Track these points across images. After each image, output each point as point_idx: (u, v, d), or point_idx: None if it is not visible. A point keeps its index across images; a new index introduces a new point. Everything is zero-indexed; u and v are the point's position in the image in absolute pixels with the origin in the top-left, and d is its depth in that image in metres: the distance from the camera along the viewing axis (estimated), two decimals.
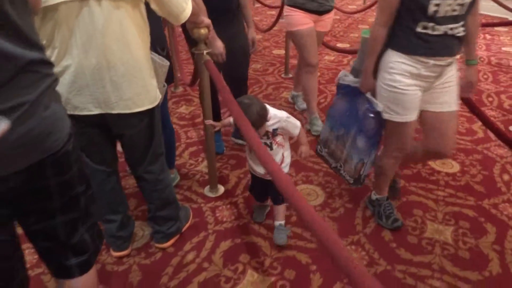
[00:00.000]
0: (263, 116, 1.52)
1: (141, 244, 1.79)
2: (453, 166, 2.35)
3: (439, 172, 2.29)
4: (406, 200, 2.06)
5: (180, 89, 3.52)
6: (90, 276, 1.12)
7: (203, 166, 2.38)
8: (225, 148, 2.53)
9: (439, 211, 1.98)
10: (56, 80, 0.90)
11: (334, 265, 0.75)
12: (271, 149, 1.64)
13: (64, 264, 1.05)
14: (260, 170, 1.69)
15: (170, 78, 1.86)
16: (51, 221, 0.97)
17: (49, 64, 0.88)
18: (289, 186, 0.97)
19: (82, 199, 1.02)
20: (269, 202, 1.91)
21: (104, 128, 1.40)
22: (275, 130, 1.60)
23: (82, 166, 1.02)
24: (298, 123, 1.64)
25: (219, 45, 2.03)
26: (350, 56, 4.37)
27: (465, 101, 1.94)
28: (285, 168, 1.73)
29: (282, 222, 1.79)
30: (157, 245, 1.75)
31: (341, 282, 1.58)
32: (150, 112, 1.41)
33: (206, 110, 1.92)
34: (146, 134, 1.48)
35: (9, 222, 0.94)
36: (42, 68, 0.84)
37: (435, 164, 2.36)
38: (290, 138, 1.73)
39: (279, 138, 1.64)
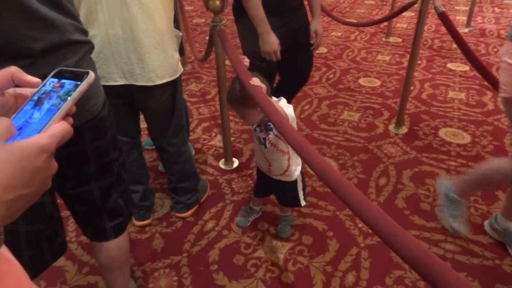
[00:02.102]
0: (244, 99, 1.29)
1: (161, 214, 1.85)
2: (464, 137, 2.37)
3: (450, 143, 2.32)
4: (418, 170, 2.10)
5: (189, 67, 3.52)
6: (124, 238, 1.18)
7: (216, 141, 2.42)
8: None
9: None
10: (92, 47, 0.92)
11: (353, 210, 0.79)
12: (265, 146, 1.44)
13: (100, 227, 1.11)
14: (264, 165, 1.52)
15: (181, 51, 1.87)
16: (86, 186, 1.02)
17: (85, 31, 0.90)
18: (298, 137, 0.99)
19: (115, 165, 1.07)
20: (259, 209, 1.79)
21: (128, 99, 1.43)
22: (268, 123, 1.37)
23: (115, 133, 1.06)
24: (293, 116, 1.36)
25: (272, 41, 1.70)
26: (357, 32, 4.33)
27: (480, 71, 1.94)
28: (290, 177, 1.50)
29: (288, 214, 1.71)
30: (177, 214, 1.81)
31: (358, 247, 1.64)
32: (172, 84, 1.44)
33: (221, 84, 1.94)
34: (168, 106, 1.51)
35: (58, 182, 0.97)
36: (80, 35, 0.87)
37: (446, 136, 2.39)
38: None
39: (273, 137, 1.40)
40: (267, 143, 1.43)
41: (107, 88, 1.35)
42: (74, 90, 0.38)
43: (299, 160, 1.48)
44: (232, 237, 1.70)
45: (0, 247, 0.31)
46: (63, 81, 0.39)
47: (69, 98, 0.37)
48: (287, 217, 1.71)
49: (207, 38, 4.23)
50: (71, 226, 1.78)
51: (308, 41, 1.98)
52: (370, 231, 1.70)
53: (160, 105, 1.47)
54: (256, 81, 1.27)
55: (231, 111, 2.00)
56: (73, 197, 1.04)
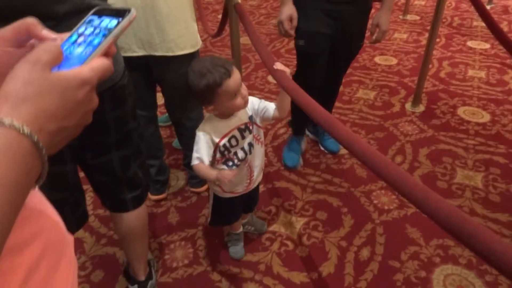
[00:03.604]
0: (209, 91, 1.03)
1: (176, 189, 1.86)
2: (483, 116, 2.31)
3: (468, 121, 2.26)
4: (435, 149, 2.06)
5: (201, 45, 3.48)
6: (143, 210, 1.19)
7: None
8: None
9: (469, 158, 1.98)
10: None
11: (375, 172, 0.77)
12: (252, 149, 1.20)
13: (120, 198, 1.12)
14: (242, 185, 1.27)
15: None
16: (107, 156, 1.02)
17: None
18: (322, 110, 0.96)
19: (134, 135, 1.07)
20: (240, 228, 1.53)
21: (146, 72, 1.42)
22: (251, 117, 1.18)
23: (134, 103, 1.05)
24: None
25: (284, 11, 1.54)
26: (373, 10, 4.20)
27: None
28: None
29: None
30: (192, 189, 1.82)
31: (373, 223, 1.63)
32: (190, 56, 1.42)
33: (236, 59, 1.91)
34: (186, 79, 1.49)
35: (73, 154, 0.98)
36: (99, 1, 0.85)
37: (464, 114, 2.33)
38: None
39: (256, 131, 1.21)
40: (254, 142, 1.20)
41: (126, 60, 1.33)
42: (116, 26, 0.37)
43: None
44: None
45: (43, 178, 0.31)
46: (103, 18, 0.38)
47: (110, 34, 0.36)
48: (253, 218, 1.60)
49: (218, 16, 4.17)
50: (88, 200, 1.81)
51: (356, 35, 1.70)
52: (386, 207, 1.70)
53: (178, 77, 1.46)
54: (279, 65, 1.15)
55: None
56: (93, 167, 1.05)
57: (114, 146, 1.02)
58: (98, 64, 0.35)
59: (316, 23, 1.60)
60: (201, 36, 3.67)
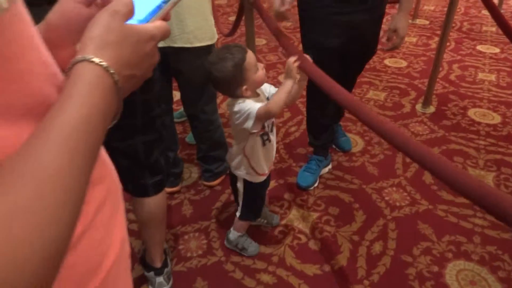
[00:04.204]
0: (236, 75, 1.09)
1: (190, 183, 1.89)
2: (494, 118, 2.32)
3: (479, 123, 2.28)
4: (446, 149, 2.07)
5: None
6: (163, 196, 1.22)
7: None
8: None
9: (480, 158, 1.99)
10: None
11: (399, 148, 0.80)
12: (274, 128, 1.28)
13: (141, 183, 1.15)
14: (270, 163, 1.34)
15: None
16: (132, 140, 1.06)
17: None
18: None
19: (158, 122, 1.10)
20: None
21: (163, 64, 1.45)
22: (268, 99, 1.25)
23: (159, 89, 1.09)
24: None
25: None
26: None
27: None
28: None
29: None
30: (205, 183, 1.85)
31: (384, 219, 1.64)
32: (207, 49, 1.45)
33: (252, 48, 1.94)
34: (202, 72, 1.52)
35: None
36: None
37: (475, 116, 2.34)
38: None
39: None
40: (273, 122, 1.28)
41: None
42: None
43: None
44: None
45: (116, 119, 0.34)
46: None
47: (170, 1, 0.40)
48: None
49: (229, 19, 4.23)
50: None
51: (370, 43, 1.65)
52: (397, 203, 1.71)
53: (194, 70, 1.49)
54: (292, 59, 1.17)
55: None
56: (118, 150, 1.08)
57: (140, 130, 1.05)
58: (162, 24, 0.38)
59: (326, 35, 1.50)
60: None
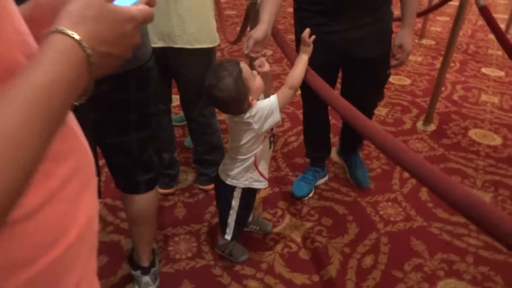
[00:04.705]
0: (239, 94, 1.08)
1: (185, 186, 1.89)
2: (495, 139, 2.31)
3: (479, 143, 2.27)
4: (444, 167, 2.06)
5: (218, 54, 3.58)
6: (154, 194, 1.22)
7: None
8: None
9: (478, 178, 1.97)
10: None
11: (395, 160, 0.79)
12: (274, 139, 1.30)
13: (133, 179, 1.15)
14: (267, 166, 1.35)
15: None
16: (126, 136, 1.07)
17: None
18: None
19: (152, 120, 1.11)
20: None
21: (163, 65, 1.47)
22: None
23: (156, 88, 1.10)
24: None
25: (259, 28, 1.19)
26: None
27: None
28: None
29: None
30: (200, 186, 1.84)
31: (377, 233, 1.63)
32: (208, 52, 1.47)
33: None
34: (201, 75, 1.54)
35: (95, 129, 1.01)
36: None
37: (476, 136, 2.33)
38: None
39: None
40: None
41: None
42: None
43: None
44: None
45: (86, 96, 0.35)
46: None
47: None
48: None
49: (237, 28, 4.28)
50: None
51: (377, 60, 1.51)
52: (392, 218, 1.70)
53: (193, 72, 1.51)
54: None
55: None
56: (111, 146, 1.09)
57: (134, 127, 1.06)
58: (144, 7, 0.39)
59: (317, 55, 1.28)
60: (218, 46, 3.76)
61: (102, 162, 1.21)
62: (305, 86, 1.24)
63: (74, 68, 0.31)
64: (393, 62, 1.50)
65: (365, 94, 1.62)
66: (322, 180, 1.91)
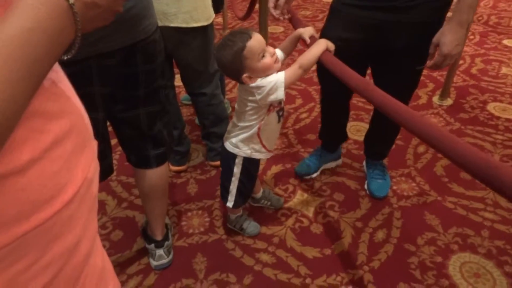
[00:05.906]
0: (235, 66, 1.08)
1: (196, 163, 1.90)
2: None
3: (498, 117, 2.19)
4: None
5: (226, 31, 3.52)
6: (165, 169, 1.23)
7: None
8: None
9: (496, 153, 1.92)
10: None
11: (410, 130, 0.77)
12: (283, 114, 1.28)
13: (144, 154, 1.16)
14: (275, 141, 1.34)
15: (220, 6, 1.84)
16: (135, 110, 1.07)
17: None
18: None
19: (161, 94, 1.11)
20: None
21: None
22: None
23: (163, 61, 1.09)
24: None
25: None
26: None
27: None
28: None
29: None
30: (211, 163, 1.85)
31: (390, 207, 1.61)
32: (203, 30, 1.45)
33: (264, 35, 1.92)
34: (199, 53, 1.52)
35: (105, 104, 1.02)
36: None
37: (494, 110, 2.26)
38: None
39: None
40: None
41: None
42: None
43: None
44: (265, 187, 1.73)
45: (73, 51, 0.34)
46: None
47: None
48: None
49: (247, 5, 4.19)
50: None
51: (400, 55, 1.30)
52: (405, 193, 1.68)
53: (190, 52, 1.49)
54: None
55: None
56: (122, 121, 1.10)
57: (142, 101, 1.06)
58: None
59: (344, 28, 1.27)
60: (228, 24, 3.69)
61: (114, 141, 1.22)
62: (321, 67, 1.17)
63: (55, 17, 0.30)
64: (428, 62, 1.22)
65: (384, 78, 1.42)
66: (334, 164, 1.84)
